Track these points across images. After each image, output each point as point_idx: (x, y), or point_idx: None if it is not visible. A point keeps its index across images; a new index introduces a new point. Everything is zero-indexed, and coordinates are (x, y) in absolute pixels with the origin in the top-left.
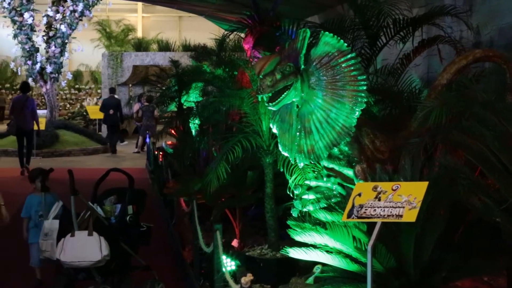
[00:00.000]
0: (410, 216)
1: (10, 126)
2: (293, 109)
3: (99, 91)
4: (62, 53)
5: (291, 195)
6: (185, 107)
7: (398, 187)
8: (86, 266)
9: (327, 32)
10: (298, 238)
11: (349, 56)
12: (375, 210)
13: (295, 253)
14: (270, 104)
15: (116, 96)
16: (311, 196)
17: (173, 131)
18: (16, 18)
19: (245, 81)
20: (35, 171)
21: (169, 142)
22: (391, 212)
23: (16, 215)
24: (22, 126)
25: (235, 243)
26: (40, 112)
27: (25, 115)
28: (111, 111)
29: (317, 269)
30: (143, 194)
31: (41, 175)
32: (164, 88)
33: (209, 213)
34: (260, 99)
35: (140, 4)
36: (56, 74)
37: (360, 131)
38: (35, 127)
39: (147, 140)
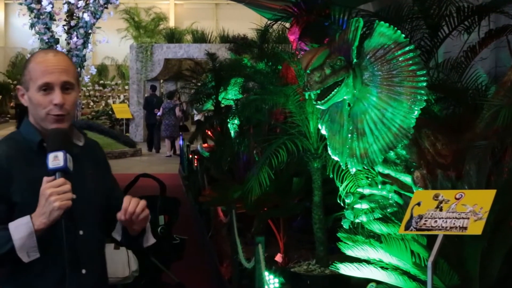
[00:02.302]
0: (475, 228)
1: None
2: (344, 108)
3: (126, 87)
4: (85, 45)
5: (342, 205)
6: (223, 105)
7: (462, 195)
8: (112, 283)
9: (382, 22)
10: (350, 252)
11: (407, 48)
12: (436, 221)
13: (346, 269)
14: (319, 102)
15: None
16: (364, 206)
17: (209, 132)
18: (33, 5)
19: (290, 77)
20: None
21: (205, 145)
22: (454, 223)
23: None
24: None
25: (278, 257)
26: None
27: None
28: (156, 110)
29: (371, 287)
30: (176, 202)
31: None
32: (199, 84)
33: (250, 224)
34: (307, 97)
35: None
36: (78, 69)
37: (419, 133)
38: None
39: (181, 142)
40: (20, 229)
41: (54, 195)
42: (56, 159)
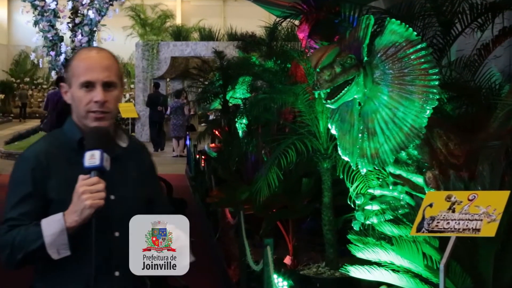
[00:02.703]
0: (489, 230)
1: (44, 123)
2: (355, 107)
3: (132, 86)
4: (89, 42)
5: (352, 206)
6: (230, 104)
7: (475, 196)
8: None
9: (393, 19)
10: (360, 254)
11: (419, 46)
12: (448, 223)
13: (356, 271)
14: (329, 101)
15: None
16: (375, 207)
17: (217, 132)
18: (37, 2)
19: (300, 75)
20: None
21: (213, 145)
22: (467, 225)
23: None
24: (56, 122)
25: (287, 260)
26: None
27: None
28: (159, 108)
29: None
30: (183, 203)
31: None
32: (206, 83)
33: (258, 225)
34: (316, 96)
35: None
36: None
37: (431, 133)
38: None
39: (187, 142)
40: (51, 225)
41: (86, 193)
42: (92, 157)
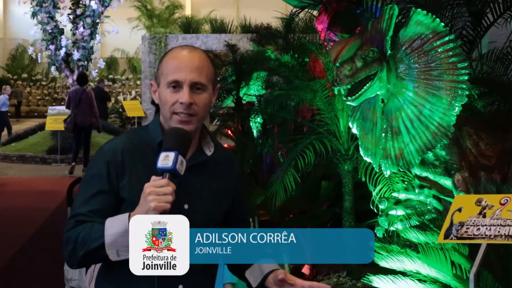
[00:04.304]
0: None
1: (67, 122)
2: (378, 105)
3: (138, 82)
4: (92, 35)
5: (375, 211)
6: (244, 102)
7: (507, 200)
8: None
9: (419, 9)
10: (384, 263)
11: (447, 38)
12: (479, 229)
13: (380, 282)
14: (349, 98)
15: None
16: (399, 212)
17: (229, 132)
18: None
19: (318, 70)
20: None
21: (225, 145)
22: (499, 231)
23: (35, 235)
24: (79, 121)
25: (306, 269)
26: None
27: (82, 110)
28: None
29: None
30: None
31: None
32: (218, 78)
33: None
34: (336, 92)
35: None
36: (85, 62)
37: (460, 132)
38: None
39: None
40: (115, 225)
41: (152, 194)
42: (166, 158)
